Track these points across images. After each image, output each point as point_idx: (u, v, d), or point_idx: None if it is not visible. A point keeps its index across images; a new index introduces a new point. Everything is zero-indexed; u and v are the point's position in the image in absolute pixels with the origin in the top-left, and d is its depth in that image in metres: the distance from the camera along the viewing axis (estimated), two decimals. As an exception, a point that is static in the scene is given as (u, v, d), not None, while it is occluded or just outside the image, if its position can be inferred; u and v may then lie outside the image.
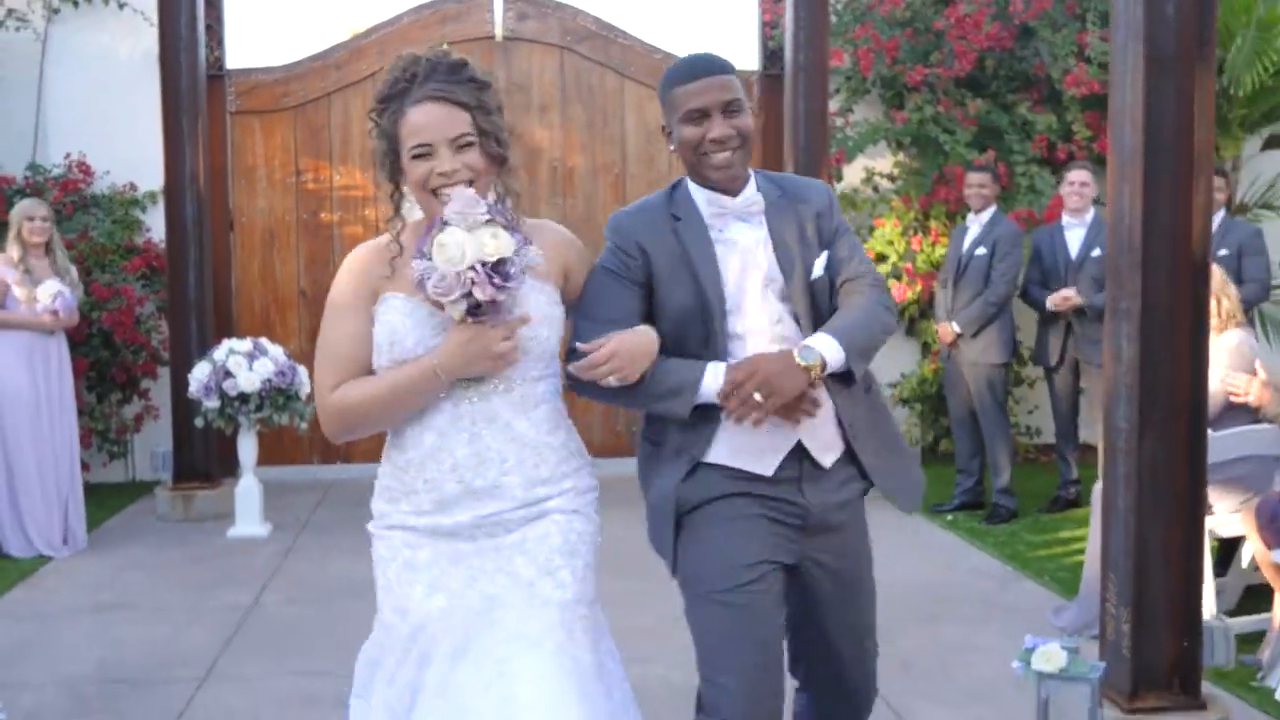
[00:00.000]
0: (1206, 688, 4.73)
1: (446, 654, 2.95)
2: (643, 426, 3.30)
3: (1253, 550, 5.67)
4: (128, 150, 9.71)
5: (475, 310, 2.83)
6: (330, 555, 7.51)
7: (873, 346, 3.16)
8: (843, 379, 3.13)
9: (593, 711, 2.92)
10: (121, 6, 9.76)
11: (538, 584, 2.98)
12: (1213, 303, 6.02)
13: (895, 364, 10.07)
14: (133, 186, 9.87)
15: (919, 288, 9.72)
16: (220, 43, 9.90)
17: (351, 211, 10.07)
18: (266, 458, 8.72)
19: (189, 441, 8.80)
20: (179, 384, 8.46)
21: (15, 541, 7.67)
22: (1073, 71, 9.33)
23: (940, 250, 9.45)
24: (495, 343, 2.87)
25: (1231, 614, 5.96)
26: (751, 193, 3.20)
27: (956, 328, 8.28)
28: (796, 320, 3.16)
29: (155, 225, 9.69)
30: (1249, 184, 9.97)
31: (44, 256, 7.84)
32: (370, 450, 3.15)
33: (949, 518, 8.34)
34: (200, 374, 7.91)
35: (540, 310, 3.00)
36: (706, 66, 3.13)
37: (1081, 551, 6.60)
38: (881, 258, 9.87)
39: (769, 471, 3.13)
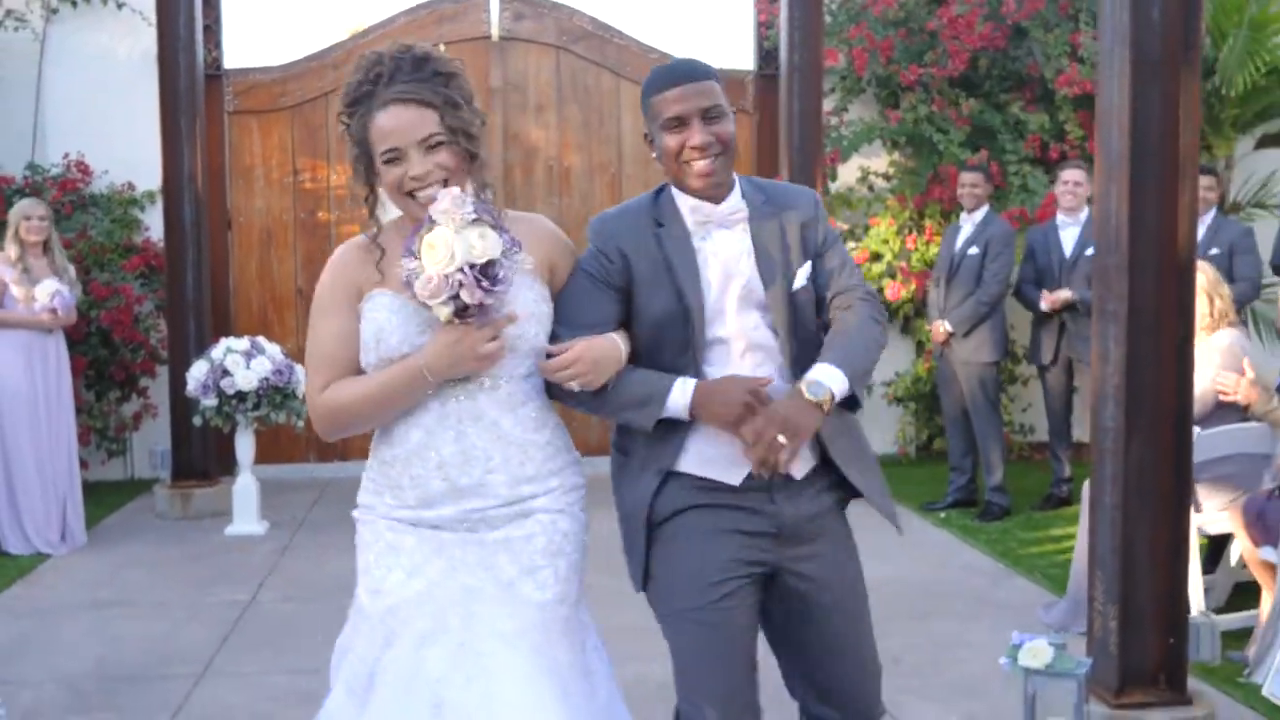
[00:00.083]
0: (1193, 684, 4.77)
1: (414, 638, 2.93)
2: (614, 436, 3.26)
3: (1240, 548, 5.73)
4: (126, 150, 9.76)
5: (462, 312, 2.80)
6: (327, 553, 7.55)
7: (870, 367, 3.16)
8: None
9: (573, 712, 2.91)
10: (120, 6, 9.81)
11: (518, 583, 2.97)
12: (1205, 302, 6.09)
13: (889, 363, 10.12)
14: (131, 186, 9.92)
15: (913, 286, 9.77)
16: (218, 43, 9.94)
17: (349, 211, 10.10)
18: (264, 456, 8.76)
19: (187, 440, 8.85)
20: (177, 382, 8.51)
21: (14, 539, 7.72)
22: (1065, 71, 9.38)
23: (934, 249, 9.50)
24: (481, 343, 2.85)
25: (1220, 611, 6.02)
26: (735, 200, 3.16)
27: (949, 327, 8.33)
28: (774, 331, 3.12)
29: (153, 224, 9.73)
30: (1242, 183, 10.04)
31: (42, 256, 7.89)
32: (366, 449, 3.17)
33: (942, 515, 8.39)
34: (198, 373, 7.96)
35: (528, 307, 2.98)
36: (685, 73, 3.09)
37: (1073, 549, 6.66)
38: (876, 256, 9.93)
39: (736, 481, 3.08)
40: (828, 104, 9.72)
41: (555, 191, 10.29)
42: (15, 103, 9.76)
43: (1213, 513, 5.93)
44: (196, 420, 8.19)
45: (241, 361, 7.91)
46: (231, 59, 10.14)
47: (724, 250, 3.13)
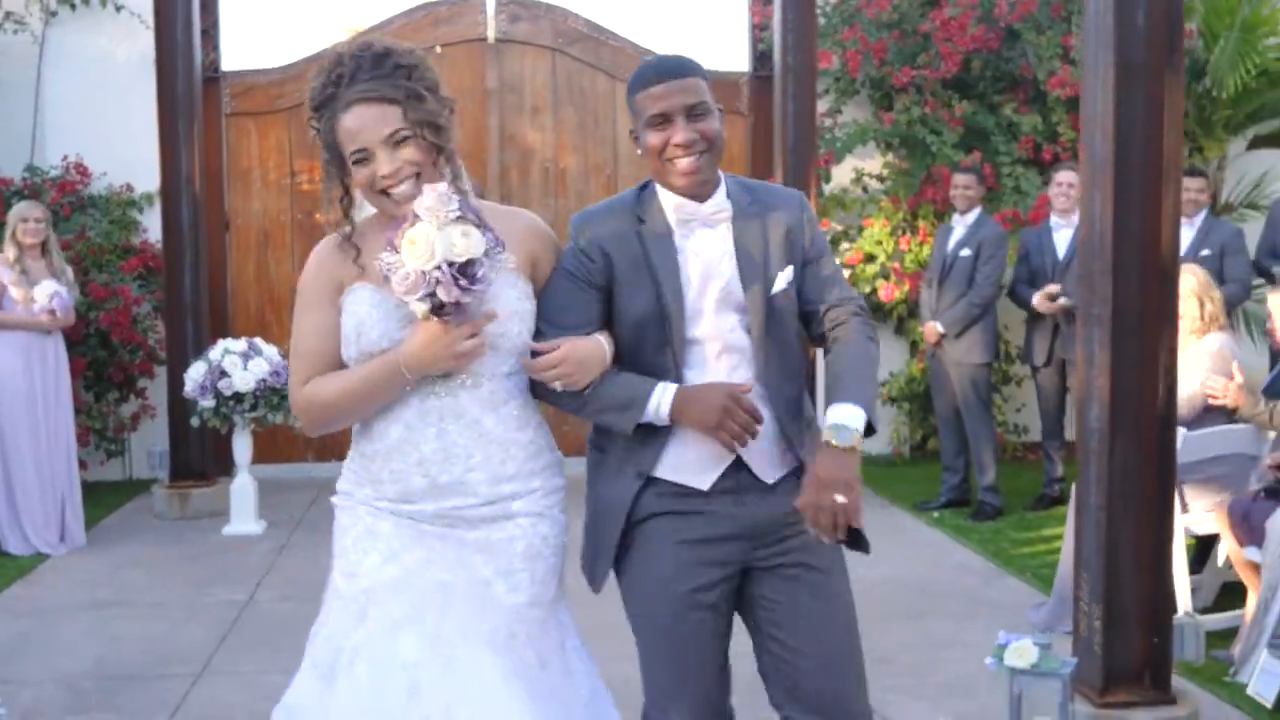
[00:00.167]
0: (1178, 683, 4.83)
1: (389, 621, 2.91)
2: (591, 433, 3.23)
3: (1226, 548, 5.78)
4: (124, 152, 9.80)
5: (439, 310, 2.78)
6: (324, 552, 7.41)
7: (877, 389, 3.21)
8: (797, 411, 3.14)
9: (543, 713, 2.90)
10: (118, 9, 9.86)
11: (493, 584, 2.96)
12: (1196, 305, 6.14)
13: (884, 363, 10.14)
14: (129, 188, 9.97)
15: (907, 287, 9.81)
16: (216, 45, 10.00)
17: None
18: (261, 456, 8.81)
19: (185, 440, 8.90)
20: (175, 383, 8.57)
21: (13, 539, 7.77)
22: (1058, 74, 9.43)
23: (928, 250, 9.55)
24: (459, 341, 2.83)
25: (1208, 610, 6.07)
26: (719, 200, 3.11)
27: (941, 328, 8.39)
28: (749, 333, 3.09)
29: (152, 226, 9.79)
30: (1234, 183, 10.09)
31: (40, 258, 7.94)
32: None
33: (935, 515, 8.45)
34: (196, 374, 8.01)
35: (511, 305, 2.96)
36: (670, 70, 3.04)
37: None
38: (870, 257, 9.99)
39: (706, 486, 3.07)
40: (822, 105, 9.77)
41: (551, 193, 10.34)
42: (14, 105, 9.82)
43: (1200, 513, 5.98)
44: (194, 421, 8.24)
45: (239, 363, 7.96)
46: (229, 61, 10.21)
47: (705, 250, 3.09)
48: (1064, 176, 8.26)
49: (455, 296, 2.74)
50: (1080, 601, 4.76)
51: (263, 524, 8.33)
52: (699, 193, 3.08)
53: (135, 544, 8.08)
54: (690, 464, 3.07)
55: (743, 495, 3.09)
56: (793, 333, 3.17)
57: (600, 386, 3.03)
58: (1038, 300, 8.22)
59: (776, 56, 9.34)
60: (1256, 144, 10.08)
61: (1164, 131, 4.49)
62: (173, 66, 8.89)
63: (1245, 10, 9.41)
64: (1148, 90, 4.48)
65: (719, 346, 3.09)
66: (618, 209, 3.16)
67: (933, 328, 8.45)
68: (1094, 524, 4.67)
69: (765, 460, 3.11)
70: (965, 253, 8.37)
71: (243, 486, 8.31)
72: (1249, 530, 5.55)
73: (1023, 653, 4.06)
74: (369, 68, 2.91)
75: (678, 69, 3.04)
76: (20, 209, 7.94)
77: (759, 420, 3.00)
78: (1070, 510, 5.75)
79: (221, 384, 7.93)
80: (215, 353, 8.03)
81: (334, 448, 9.65)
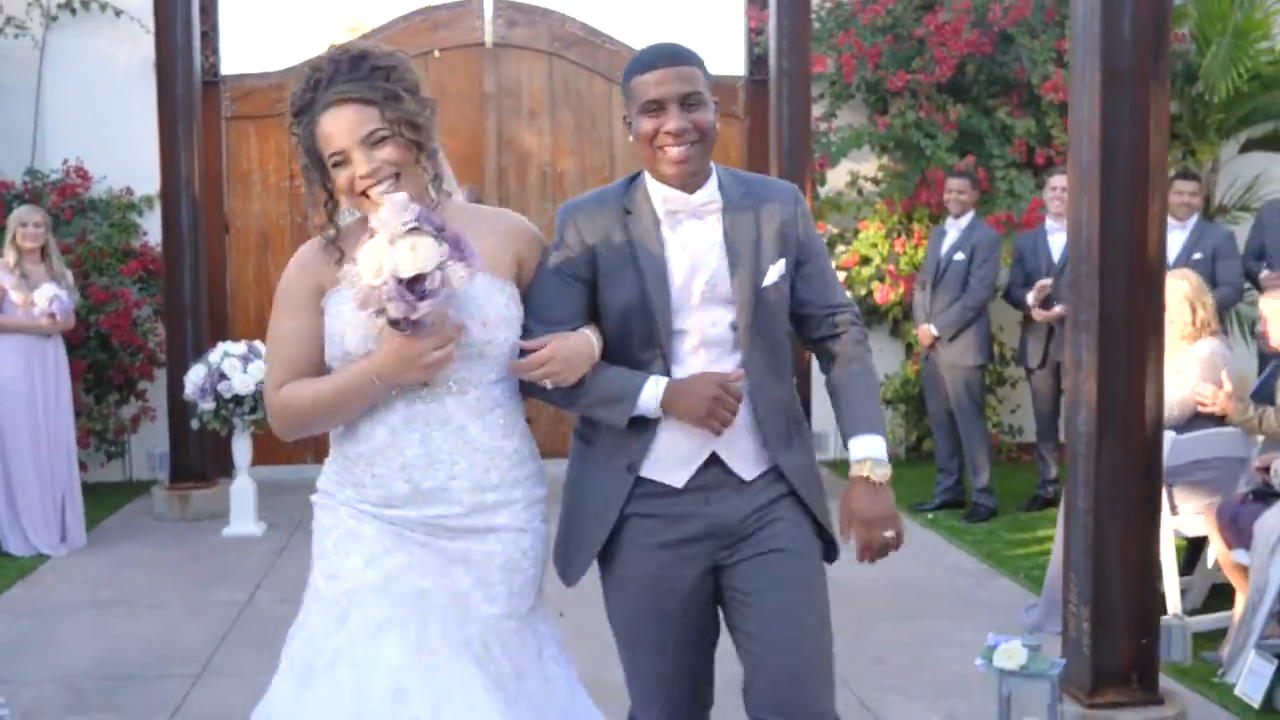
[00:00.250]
0: (1166, 683, 4.88)
1: (371, 624, 2.87)
2: (577, 423, 3.21)
3: (1215, 550, 5.83)
4: (124, 155, 9.85)
5: (396, 324, 2.73)
6: None
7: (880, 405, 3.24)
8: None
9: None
10: (118, 14, 9.91)
11: (470, 595, 2.94)
12: (1188, 310, 6.19)
13: (879, 365, 10.15)
14: (129, 191, 10.02)
15: (901, 289, 9.87)
16: (215, 49, 10.06)
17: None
18: (261, 458, 8.84)
19: (185, 442, 8.95)
20: (175, 385, 8.61)
21: (14, 540, 7.83)
22: (1051, 77, 9.48)
23: (923, 252, 9.61)
24: (426, 354, 2.79)
25: (1198, 612, 6.11)
26: (709, 191, 3.07)
27: (935, 331, 8.44)
28: (734, 328, 3.06)
29: (152, 229, 9.83)
30: (1227, 186, 10.16)
31: (40, 261, 7.99)
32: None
33: (929, 516, 8.50)
34: (195, 376, 8.05)
35: (499, 311, 2.93)
36: (666, 56, 2.99)
37: (1057, 550, 6.76)
38: (865, 260, 10.05)
39: (680, 483, 3.06)
40: (817, 110, 9.82)
41: (549, 196, 10.39)
42: (15, 109, 9.87)
43: (1189, 516, 6.03)
44: (194, 423, 8.28)
45: (238, 365, 8.00)
46: (228, 65, 10.27)
47: (693, 242, 3.06)
48: (1059, 180, 8.30)
49: (403, 313, 2.70)
50: (1069, 603, 4.82)
51: (262, 525, 8.38)
52: (688, 183, 3.04)
53: (135, 545, 8.13)
54: (672, 459, 3.06)
55: (711, 493, 3.07)
56: (782, 329, 3.16)
57: (590, 381, 3.01)
58: (1033, 302, 8.27)
59: (772, 61, 9.40)
60: (1249, 147, 10.15)
61: (1150, 137, 4.54)
62: (172, 70, 8.94)
63: (1237, 15, 9.49)
64: (1134, 96, 4.53)
65: (697, 340, 3.06)
66: (604, 200, 3.13)
67: (927, 331, 8.50)
68: (1082, 526, 4.72)
69: (744, 457, 3.09)
70: (959, 256, 8.42)
71: (242, 488, 8.36)
72: (1237, 533, 5.60)
73: (1011, 654, 4.12)
74: (346, 71, 2.89)
75: (675, 56, 3.00)
76: (20, 213, 8.00)
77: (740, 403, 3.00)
78: (1061, 512, 5.81)
79: (221, 386, 7.97)
80: (215, 355, 8.07)
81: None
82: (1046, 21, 9.76)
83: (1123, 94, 4.54)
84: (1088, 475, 4.67)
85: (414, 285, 2.68)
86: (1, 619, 6.59)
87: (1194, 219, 8.09)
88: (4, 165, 9.79)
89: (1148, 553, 4.72)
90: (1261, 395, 6.09)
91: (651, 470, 3.06)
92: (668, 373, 3.04)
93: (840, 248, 10.08)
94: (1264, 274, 8.02)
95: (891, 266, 9.96)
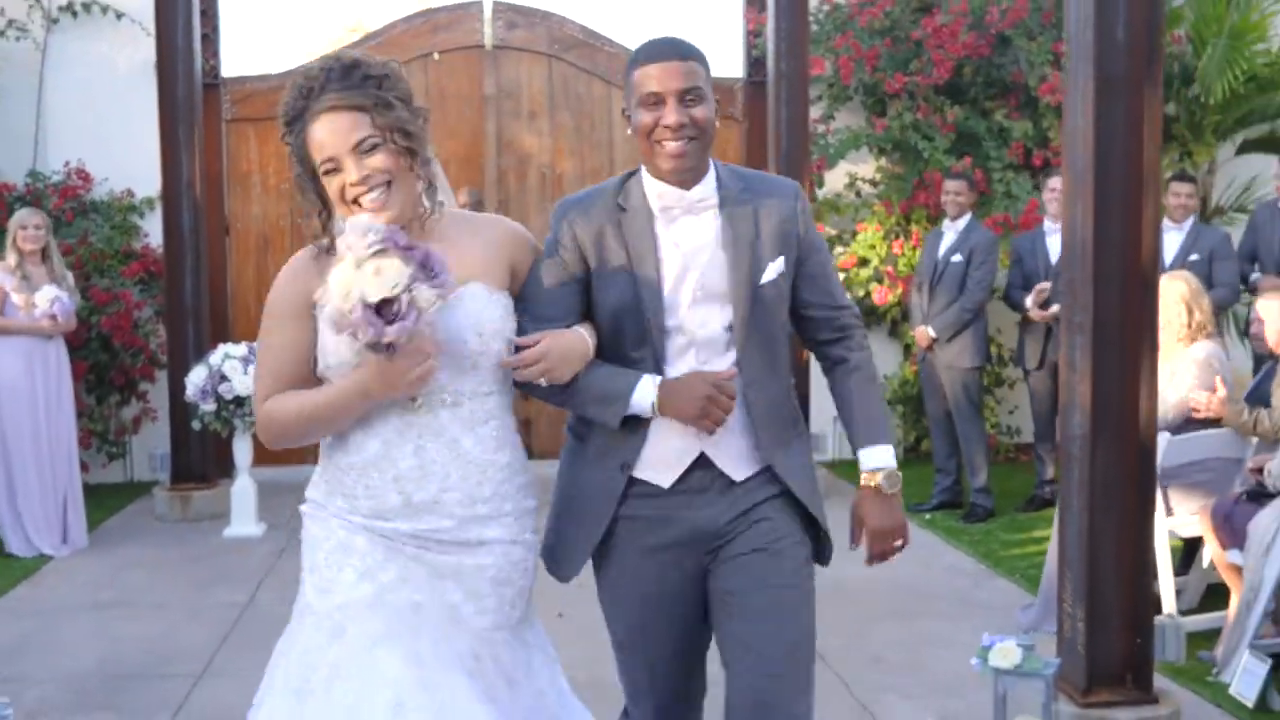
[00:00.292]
0: (1160, 682, 4.93)
1: (366, 638, 2.84)
2: (570, 420, 3.20)
3: (1210, 550, 5.87)
4: (125, 157, 9.90)
5: (371, 346, 2.70)
6: None
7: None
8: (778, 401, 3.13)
9: None
10: (119, 17, 9.95)
11: (461, 607, 2.92)
12: (1185, 312, 6.23)
13: (878, 366, 10.21)
14: (130, 193, 10.06)
15: (900, 291, 9.91)
16: (216, 52, 10.10)
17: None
18: (261, 459, 8.81)
19: (186, 443, 8.99)
20: (176, 387, 8.63)
21: (16, 541, 7.88)
22: (1048, 80, 9.51)
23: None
24: (407, 372, 2.76)
25: (1193, 612, 6.15)
26: (705, 188, 3.04)
27: (933, 332, 8.49)
28: (730, 328, 3.04)
29: (153, 231, 9.87)
30: (1224, 187, 10.20)
31: (41, 263, 8.03)
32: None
33: (927, 516, 8.53)
34: (196, 378, 8.08)
35: (494, 324, 2.92)
36: (668, 50, 2.97)
37: (1053, 550, 6.80)
38: (864, 261, 10.10)
39: (666, 484, 3.05)
40: (815, 111, 9.87)
41: (548, 196, 10.41)
42: (16, 111, 9.90)
43: (1185, 516, 6.07)
44: (195, 424, 8.31)
45: (239, 367, 8.02)
46: (229, 67, 10.32)
47: (687, 240, 3.04)
48: (1057, 182, 8.32)
49: (374, 337, 2.66)
50: (1064, 603, 4.86)
51: (263, 526, 8.41)
52: (684, 179, 3.01)
53: (137, 546, 8.17)
54: (661, 459, 3.05)
55: (697, 496, 3.06)
56: (780, 327, 3.13)
57: (583, 379, 3.00)
58: (1031, 304, 8.31)
59: (770, 63, 9.45)
60: (1245, 149, 10.19)
61: (1144, 143, 4.59)
62: (173, 73, 8.98)
63: (1234, 17, 9.53)
64: (1127, 103, 4.58)
65: (686, 340, 3.04)
66: (599, 197, 3.10)
67: (924, 332, 8.55)
68: (1076, 527, 4.77)
69: (734, 457, 3.07)
70: (957, 258, 8.46)
71: (243, 489, 8.40)
72: (1231, 533, 5.64)
73: (1006, 654, 4.16)
74: (338, 78, 2.87)
75: (678, 50, 2.98)
76: (20, 216, 8.04)
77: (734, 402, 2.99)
78: (1057, 513, 5.85)
79: (222, 388, 8.00)
80: (216, 357, 8.10)
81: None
82: (1043, 24, 9.80)
83: (1116, 100, 4.58)
84: (1082, 477, 4.71)
85: (382, 309, 2.65)
86: (4, 619, 6.63)
87: (1190, 221, 8.14)
88: (5, 167, 9.84)
89: (1142, 553, 4.77)
90: (1256, 397, 6.14)
91: (643, 470, 3.06)
92: (660, 372, 3.02)
93: (838, 249, 10.11)
94: (1254, 276, 8.06)
95: (889, 268, 10.00)
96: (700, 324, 3.04)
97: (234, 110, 10.26)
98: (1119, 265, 4.61)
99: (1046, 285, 8.22)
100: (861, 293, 9.95)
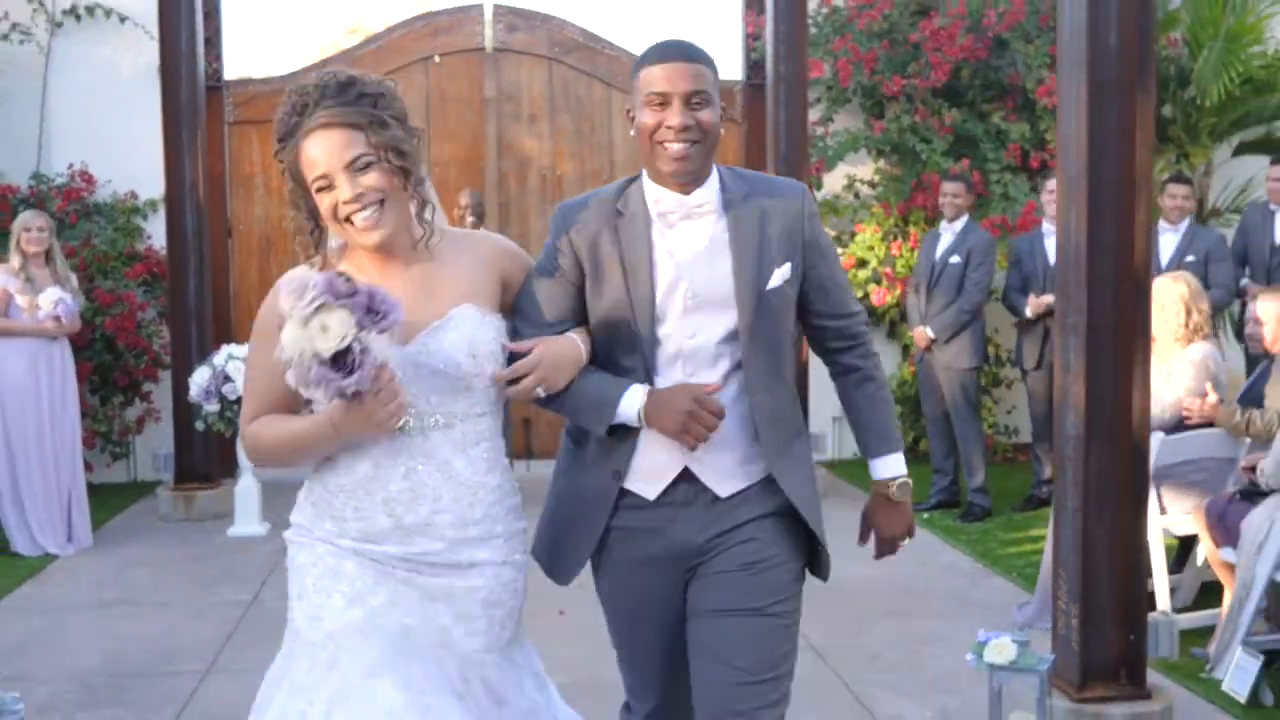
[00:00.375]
0: (1154, 678, 5.00)
1: (361, 668, 2.80)
2: (568, 423, 3.18)
3: (1203, 548, 5.93)
4: (129, 160, 9.96)
5: (338, 395, 2.68)
6: None
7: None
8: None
9: None
10: (123, 20, 10.02)
11: (451, 629, 2.90)
12: (1184, 313, 6.29)
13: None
14: (134, 195, 10.12)
15: (898, 292, 9.97)
16: (218, 55, 10.15)
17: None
18: (265, 459, 8.93)
19: (190, 443, 9.05)
20: (180, 387, 8.68)
21: (21, 540, 7.94)
22: (1045, 82, 9.57)
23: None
24: (375, 413, 2.72)
25: (1188, 609, 6.22)
26: (705, 193, 2.99)
27: (932, 333, 8.55)
28: (729, 337, 3.00)
29: (156, 233, 9.94)
30: (1221, 188, 10.26)
31: (44, 265, 8.09)
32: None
33: (925, 516, 8.57)
34: (200, 379, 8.12)
35: (487, 345, 2.90)
36: (676, 52, 2.92)
37: (1049, 549, 6.85)
38: (862, 263, 10.17)
39: (651, 496, 3.03)
40: (814, 114, 9.94)
41: (548, 199, 10.47)
42: (20, 114, 9.97)
43: (1179, 515, 6.13)
44: (199, 424, 8.35)
45: (242, 368, 8.08)
46: (231, 70, 10.38)
47: (682, 248, 2.99)
48: (1054, 184, 8.39)
49: (335, 391, 2.65)
50: (1058, 600, 4.93)
51: (266, 525, 8.46)
52: (685, 184, 2.97)
53: (141, 545, 8.24)
54: (649, 470, 3.02)
55: (681, 509, 3.03)
56: (785, 333, 3.07)
57: (575, 385, 2.97)
58: (1033, 314, 8.37)
59: (769, 66, 9.50)
60: (1241, 150, 10.26)
61: (1136, 148, 4.65)
62: (176, 75, 9.04)
63: (1230, 19, 9.60)
64: (1120, 108, 4.64)
65: (674, 350, 3.00)
66: (598, 201, 3.06)
67: (923, 333, 8.61)
68: (1071, 526, 4.83)
69: (720, 473, 3.03)
70: (955, 259, 8.53)
71: (247, 489, 8.46)
72: (1225, 531, 5.70)
73: (1002, 649, 4.22)
74: (333, 95, 2.83)
75: (686, 53, 2.93)
76: (24, 218, 8.10)
77: (722, 419, 2.93)
78: (1052, 511, 5.91)
79: (225, 389, 8.04)
80: (219, 358, 8.14)
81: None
82: (1040, 27, 9.86)
83: (1109, 106, 4.65)
84: (1076, 476, 4.78)
85: (338, 360, 2.62)
86: (11, 617, 6.70)
87: (1186, 222, 8.20)
88: (9, 170, 9.90)
89: (1135, 551, 4.83)
90: (1249, 398, 6.20)
91: (632, 481, 3.03)
92: (650, 381, 2.98)
93: (837, 250, 10.15)
94: (1244, 283, 8.14)
95: (888, 269, 10.08)
96: (690, 334, 2.99)
97: (236, 113, 10.32)
98: (1112, 269, 4.67)
99: (1047, 299, 8.27)
100: (860, 294, 10.01)
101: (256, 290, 10.33)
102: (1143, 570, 4.91)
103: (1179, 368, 6.29)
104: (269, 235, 10.40)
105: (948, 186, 8.68)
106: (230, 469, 8.96)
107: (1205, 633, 5.80)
